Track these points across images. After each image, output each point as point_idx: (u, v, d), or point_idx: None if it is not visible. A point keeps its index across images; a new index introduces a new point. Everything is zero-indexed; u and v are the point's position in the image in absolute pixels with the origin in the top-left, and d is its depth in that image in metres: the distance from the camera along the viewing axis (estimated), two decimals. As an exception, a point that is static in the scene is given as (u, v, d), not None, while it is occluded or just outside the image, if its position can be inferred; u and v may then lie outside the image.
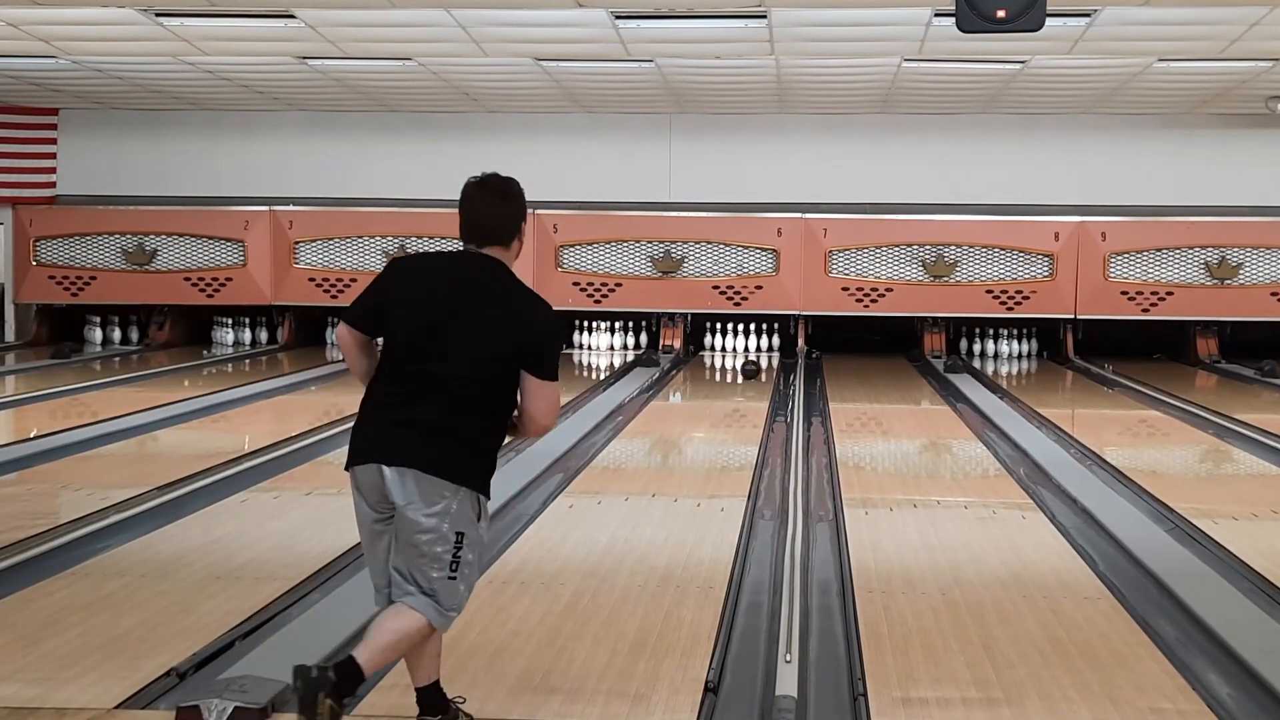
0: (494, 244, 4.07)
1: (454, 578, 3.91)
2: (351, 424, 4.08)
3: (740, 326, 16.89)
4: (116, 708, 4.24)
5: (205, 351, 16.57)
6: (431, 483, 3.87)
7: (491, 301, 3.99)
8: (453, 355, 3.93)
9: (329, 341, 16.68)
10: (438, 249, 4.36)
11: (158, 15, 11.16)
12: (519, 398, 4.02)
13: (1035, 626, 5.22)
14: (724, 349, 16.84)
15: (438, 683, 4.04)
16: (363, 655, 3.81)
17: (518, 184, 4.14)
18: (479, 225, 4.07)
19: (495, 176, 4.11)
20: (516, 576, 5.84)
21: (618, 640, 4.99)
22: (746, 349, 16.71)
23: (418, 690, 4.05)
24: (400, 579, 3.93)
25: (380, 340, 4.13)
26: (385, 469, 3.88)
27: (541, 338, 4.03)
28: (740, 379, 14.36)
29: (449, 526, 3.89)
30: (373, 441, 3.94)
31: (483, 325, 3.95)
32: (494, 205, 4.08)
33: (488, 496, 4.01)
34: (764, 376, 14.47)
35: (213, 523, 6.99)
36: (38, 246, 16.88)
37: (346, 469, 4.01)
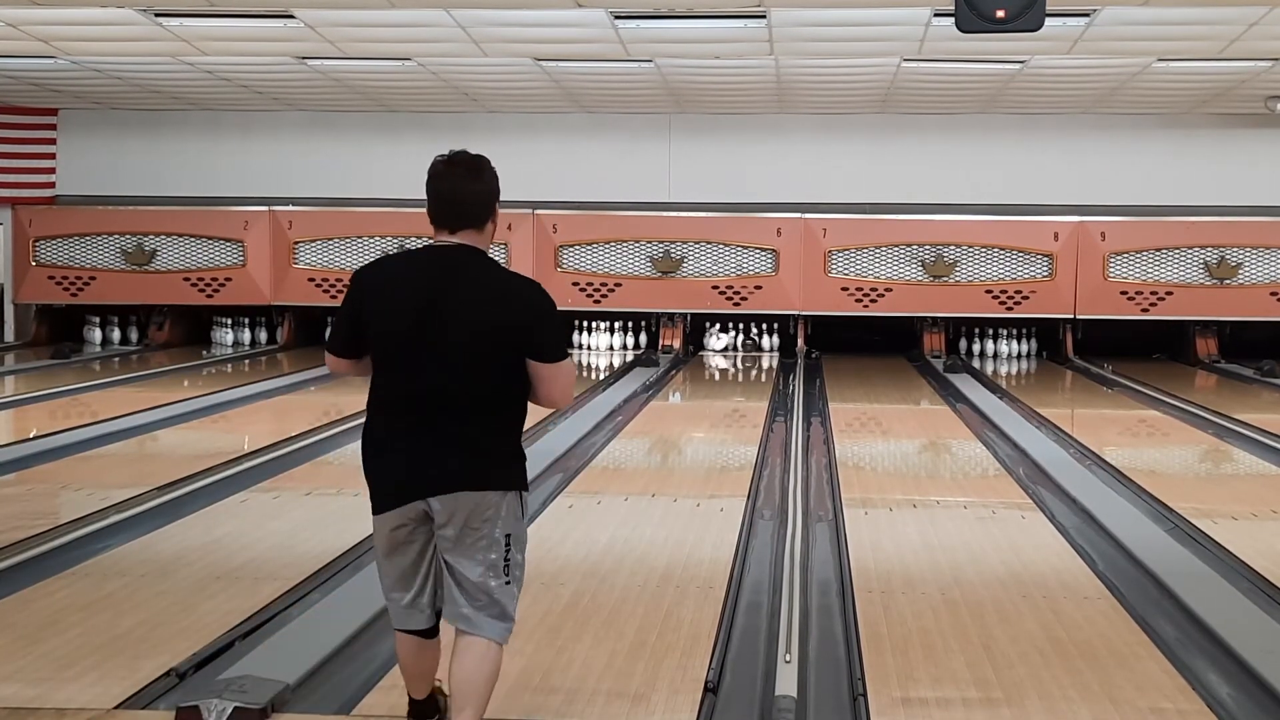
0: (467, 227, 3.80)
1: (509, 582, 3.79)
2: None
3: (740, 326, 16.89)
4: (116, 708, 4.24)
5: (205, 351, 16.58)
6: (480, 497, 3.73)
7: (477, 298, 3.75)
8: (452, 365, 3.72)
9: (329, 341, 16.66)
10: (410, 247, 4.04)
11: (157, 15, 11.15)
12: (532, 382, 3.81)
13: (1035, 626, 5.22)
14: (725, 348, 16.84)
15: (433, 692, 4.03)
16: (473, 714, 3.73)
17: (489, 162, 3.87)
18: (451, 206, 3.80)
19: (464, 153, 3.82)
20: (516, 576, 5.84)
21: (617, 640, 4.99)
22: (748, 333, 16.76)
23: (416, 702, 4.00)
24: (461, 597, 3.76)
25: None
26: (432, 500, 3.73)
27: (536, 323, 3.79)
28: (740, 352, 14.55)
29: (499, 531, 3.77)
30: (406, 477, 3.74)
31: (475, 326, 3.73)
32: (466, 183, 3.81)
33: (527, 490, 3.89)
34: (764, 359, 14.54)
35: (213, 523, 6.99)
36: (37, 246, 16.88)
37: (381, 512, 3.79)
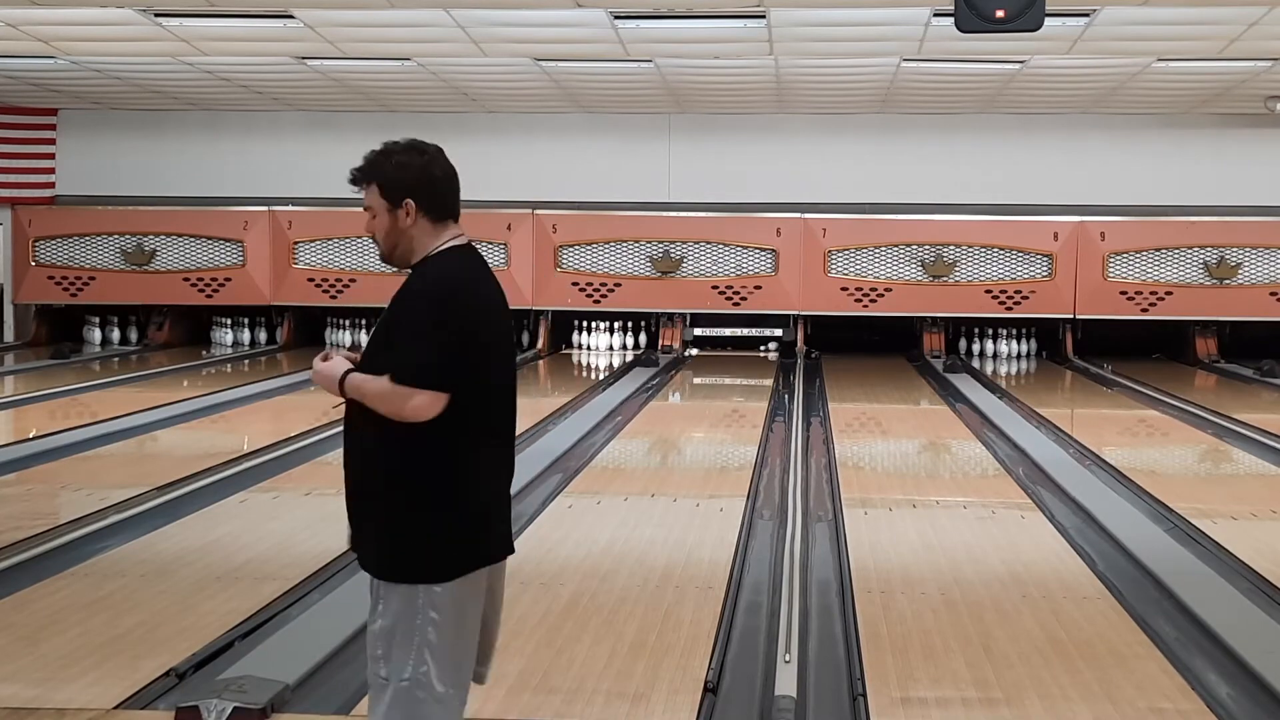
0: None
1: None
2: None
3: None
4: (116, 708, 4.24)
5: (204, 352, 16.57)
6: None
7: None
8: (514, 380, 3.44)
9: (329, 342, 16.65)
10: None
11: (157, 15, 11.16)
12: None
13: (1035, 626, 5.22)
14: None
15: None
16: None
17: None
18: (457, 195, 3.43)
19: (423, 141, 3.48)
20: (516, 576, 5.79)
21: (617, 640, 4.99)
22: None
23: None
24: (487, 654, 3.52)
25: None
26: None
27: None
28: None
29: None
30: (507, 522, 3.42)
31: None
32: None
33: None
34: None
35: (212, 523, 7.00)
36: (37, 247, 16.89)
37: (489, 562, 3.33)
